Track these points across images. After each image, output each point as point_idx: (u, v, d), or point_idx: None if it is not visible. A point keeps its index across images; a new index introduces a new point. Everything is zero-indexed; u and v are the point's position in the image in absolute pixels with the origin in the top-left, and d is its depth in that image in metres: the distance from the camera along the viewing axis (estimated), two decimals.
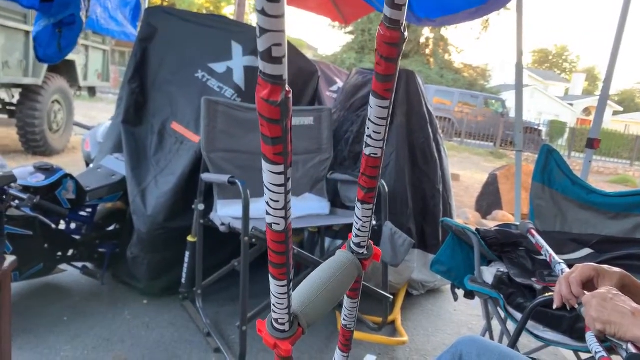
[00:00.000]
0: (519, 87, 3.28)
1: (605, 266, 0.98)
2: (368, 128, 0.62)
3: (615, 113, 31.21)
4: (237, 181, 1.92)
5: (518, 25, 3.23)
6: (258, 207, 2.23)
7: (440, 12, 3.82)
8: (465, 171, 9.89)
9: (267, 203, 0.47)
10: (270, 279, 0.57)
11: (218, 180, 2.14)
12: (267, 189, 0.45)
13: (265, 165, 0.43)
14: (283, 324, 0.60)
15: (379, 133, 0.62)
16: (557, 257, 1.56)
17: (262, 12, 0.36)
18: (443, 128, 15.44)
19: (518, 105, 3.33)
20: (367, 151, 0.64)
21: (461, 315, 2.75)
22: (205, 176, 2.22)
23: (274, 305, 0.59)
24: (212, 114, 2.31)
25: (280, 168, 0.43)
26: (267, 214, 0.48)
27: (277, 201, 0.46)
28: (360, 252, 0.76)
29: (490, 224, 5.16)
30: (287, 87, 0.40)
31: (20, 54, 5.48)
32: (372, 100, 0.59)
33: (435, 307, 2.80)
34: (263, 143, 0.42)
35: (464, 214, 5.75)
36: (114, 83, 12.90)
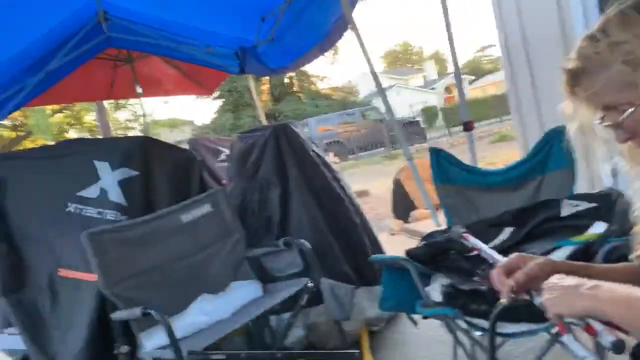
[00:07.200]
0: (385, 99, 3.39)
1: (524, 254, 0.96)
2: None
3: (470, 82, 34.59)
4: (150, 311, 1.73)
5: (360, 42, 3.29)
6: (184, 323, 2.04)
7: (290, 57, 3.93)
8: (372, 183, 10.19)
9: None
10: None
11: (130, 316, 1.91)
12: None
13: None
14: None
15: None
16: (488, 250, 1.58)
17: None
18: (336, 152, 15.97)
19: (388, 110, 3.44)
20: None
21: (428, 331, 2.71)
22: (115, 315, 1.98)
23: None
24: (99, 247, 2.08)
25: None
26: None
27: None
28: None
29: (415, 226, 5.29)
30: None
31: None
32: None
33: (400, 335, 2.74)
34: None
35: (387, 226, 5.83)
36: None
